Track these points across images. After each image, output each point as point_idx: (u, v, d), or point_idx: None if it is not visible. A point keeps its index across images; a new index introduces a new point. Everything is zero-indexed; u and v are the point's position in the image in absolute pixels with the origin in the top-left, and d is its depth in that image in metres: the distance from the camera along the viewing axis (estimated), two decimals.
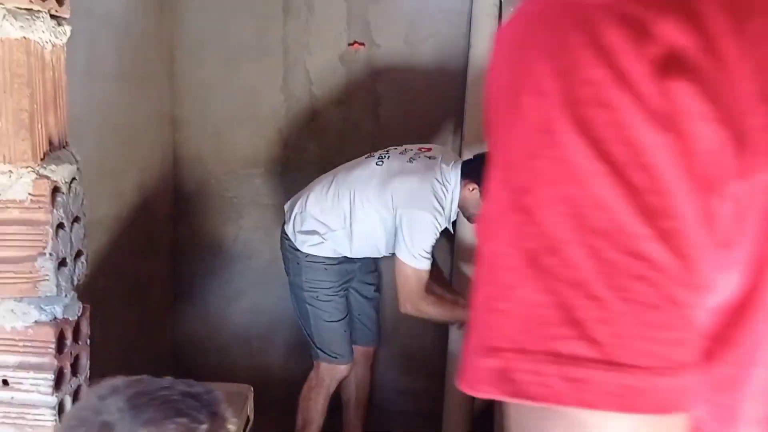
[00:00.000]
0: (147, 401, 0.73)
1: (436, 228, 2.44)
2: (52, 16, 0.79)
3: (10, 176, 0.77)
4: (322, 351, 2.66)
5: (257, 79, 3.27)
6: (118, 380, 0.77)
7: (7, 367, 0.81)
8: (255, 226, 3.36)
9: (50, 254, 0.79)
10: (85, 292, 2.27)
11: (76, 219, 0.85)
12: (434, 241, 2.47)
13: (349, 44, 3.20)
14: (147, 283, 3.02)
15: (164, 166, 3.20)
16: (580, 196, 0.40)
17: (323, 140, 3.27)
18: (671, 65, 0.39)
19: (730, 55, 0.40)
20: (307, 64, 3.27)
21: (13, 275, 0.80)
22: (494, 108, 0.46)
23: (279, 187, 3.33)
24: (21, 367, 0.81)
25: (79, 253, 0.86)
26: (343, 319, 2.67)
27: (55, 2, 0.79)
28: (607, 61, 0.40)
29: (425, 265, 2.44)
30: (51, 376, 0.80)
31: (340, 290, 2.66)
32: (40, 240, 0.79)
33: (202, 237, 3.37)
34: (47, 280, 0.80)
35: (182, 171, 3.32)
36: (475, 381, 0.45)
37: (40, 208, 0.78)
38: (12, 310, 0.80)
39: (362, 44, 3.22)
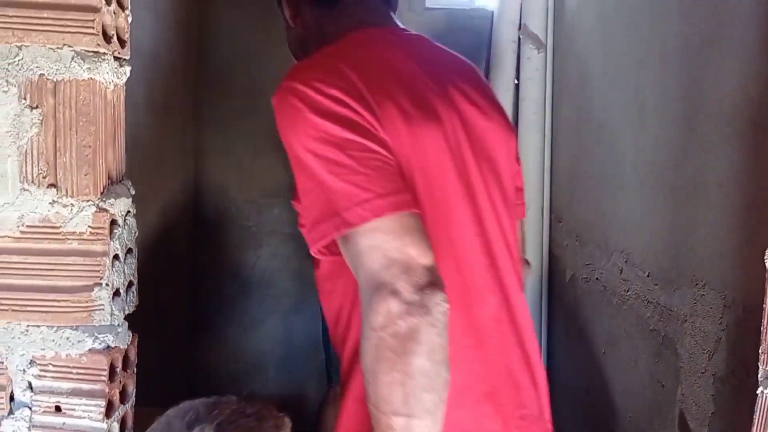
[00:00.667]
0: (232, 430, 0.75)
1: None
2: (115, 58, 0.83)
3: (71, 209, 0.81)
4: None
5: None
6: (196, 403, 0.80)
7: (60, 393, 0.84)
8: (274, 255, 3.40)
9: (106, 284, 0.82)
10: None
11: (129, 250, 0.88)
12: None
13: None
14: (165, 311, 3.04)
15: (186, 195, 3.24)
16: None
17: None
18: (339, 100, 0.97)
19: (364, 89, 0.99)
20: None
21: (70, 304, 0.83)
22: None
23: (294, 216, 3.37)
24: (74, 393, 0.84)
25: (130, 284, 0.89)
26: None
27: (118, 44, 0.83)
28: (313, 109, 1.01)
29: None
30: (102, 403, 0.83)
31: None
32: (98, 271, 0.82)
33: (221, 265, 3.40)
34: (102, 309, 0.83)
35: (203, 199, 3.37)
36: (319, 238, 0.95)
37: (98, 239, 0.81)
38: (68, 338, 0.83)
39: None
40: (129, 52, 0.86)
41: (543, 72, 3.08)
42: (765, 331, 0.86)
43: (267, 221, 3.39)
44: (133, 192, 0.89)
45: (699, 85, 1.61)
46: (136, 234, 0.90)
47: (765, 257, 0.86)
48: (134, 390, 0.91)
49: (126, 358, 0.90)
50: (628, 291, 2.03)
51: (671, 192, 1.76)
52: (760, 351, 0.88)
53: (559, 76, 3.04)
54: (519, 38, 3.13)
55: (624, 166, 2.12)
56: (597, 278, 2.37)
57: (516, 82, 3.13)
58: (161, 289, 2.97)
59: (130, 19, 0.87)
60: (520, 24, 3.12)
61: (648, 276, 1.88)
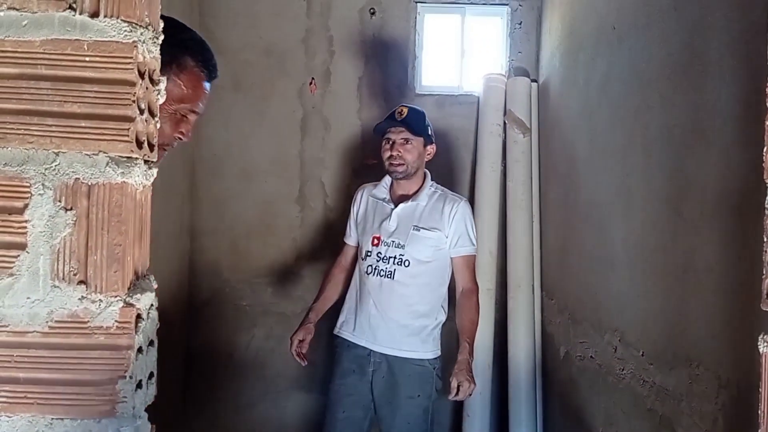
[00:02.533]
0: None
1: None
2: (145, 162, 0.89)
3: (99, 305, 0.84)
4: None
5: (274, 191, 3.40)
6: None
7: None
8: (267, 334, 3.39)
9: (130, 377, 0.85)
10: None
11: (151, 342, 0.91)
12: (349, 217, 2.65)
13: (365, 160, 3.36)
14: (159, 391, 3.00)
15: (182, 275, 3.27)
16: None
17: (337, 248, 3.36)
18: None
19: None
20: (323, 178, 3.42)
21: (94, 397, 0.85)
22: None
23: (291, 295, 3.39)
24: None
25: (151, 375, 0.92)
26: None
27: (148, 149, 0.89)
28: None
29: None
30: None
31: None
32: (122, 364, 0.85)
33: (215, 345, 3.39)
34: (125, 402, 0.85)
35: (198, 280, 3.39)
36: None
37: (124, 333, 0.85)
38: (90, 431, 0.85)
39: (375, 161, 3.38)
40: (156, 156, 0.92)
41: (528, 154, 3.20)
42: (764, 415, 0.89)
43: (260, 301, 3.40)
44: (155, 286, 0.93)
45: (683, 173, 1.70)
46: (158, 326, 0.94)
47: (759, 343, 0.91)
48: None
49: None
50: (623, 370, 2.06)
51: (662, 274, 1.82)
52: None
53: (546, 159, 3.16)
54: (505, 123, 3.26)
55: (614, 246, 2.19)
56: (591, 356, 2.40)
57: (502, 167, 3.24)
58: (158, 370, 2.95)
59: (158, 125, 0.93)
60: (505, 109, 3.26)
61: (643, 355, 1.91)
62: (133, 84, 0.86)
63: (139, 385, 0.88)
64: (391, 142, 2.45)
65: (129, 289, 0.87)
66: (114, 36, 0.85)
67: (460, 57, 3.48)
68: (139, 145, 0.88)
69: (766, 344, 0.90)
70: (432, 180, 2.56)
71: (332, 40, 3.40)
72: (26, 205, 0.85)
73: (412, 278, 2.40)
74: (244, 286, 3.41)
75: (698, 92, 1.62)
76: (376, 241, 2.46)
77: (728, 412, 1.46)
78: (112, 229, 0.85)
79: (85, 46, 0.85)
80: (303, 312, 2.66)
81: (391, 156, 2.45)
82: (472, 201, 3.28)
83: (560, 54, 2.95)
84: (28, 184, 0.85)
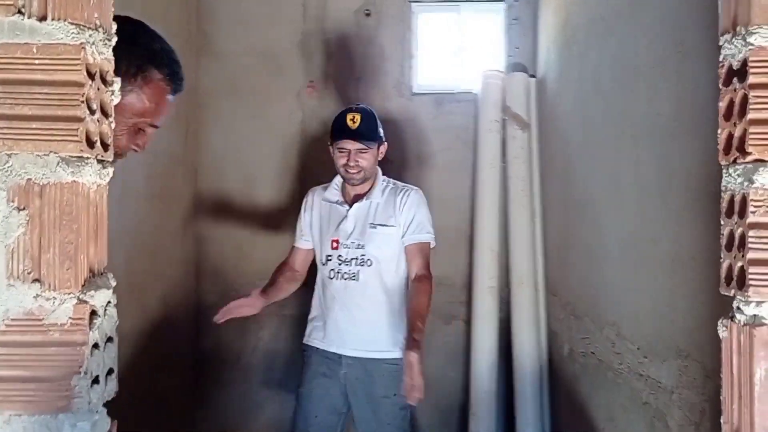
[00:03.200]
0: None
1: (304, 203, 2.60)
2: (99, 161, 0.90)
3: (53, 302, 0.86)
4: None
5: (276, 194, 3.43)
6: None
7: None
8: (274, 337, 3.41)
9: (85, 373, 0.86)
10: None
11: (109, 339, 0.92)
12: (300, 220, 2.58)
13: None
14: (167, 395, 3.04)
15: (188, 280, 3.30)
16: None
17: None
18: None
19: None
20: (324, 179, 3.42)
21: (51, 393, 0.86)
22: None
23: (297, 297, 3.40)
24: None
25: (110, 371, 0.93)
26: None
27: (101, 149, 0.91)
28: None
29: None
30: None
31: None
32: (77, 360, 0.86)
33: (223, 348, 3.42)
34: (81, 397, 0.86)
35: (204, 284, 3.42)
36: None
37: (78, 330, 0.86)
38: (47, 426, 0.87)
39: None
40: (112, 155, 0.94)
41: (528, 150, 3.18)
42: (727, 401, 0.88)
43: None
44: (114, 283, 0.94)
45: (668, 162, 1.68)
46: (117, 323, 0.95)
47: (718, 328, 0.90)
48: None
49: None
50: (621, 364, 2.05)
51: (651, 265, 1.80)
52: (722, 421, 0.90)
53: (545, 154, 3.14)
54: (504, 119, 3.25)
55: (607, 239, 2.17)
56: (592, 352, 2.38)
57: (502, 163, 3.23)
58: (162, 375, 2.98)
59: (113, 125, 0.94)
60: (503, 106, 3.25)
61: (638, 349, 1.89)
62: (81, 85, 0.87)
63: (96, 381, 0.90)
64: (346, 151, 2.38)
65: (83, 286, 0.89)
66: (62, 38, 0.87)
67: (457, 55, 3.48)
68: (91, 144, 0.90)
69: (724, 328, 0.89)
70: (383, 175, 2.53)
71: (329, 43, 3.42)
72: None
73: (377, 277, 2.39)
74: (250, 288, 3.42)
75: (679, 79, 1.61)
76: (335, 245, 2.43)
77: (714, 402, 1.44)
78: (63, 227, 0.87)
79: (34, 49, 0.87)
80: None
81: (347, 165, 2.39)
82: (472, 198, 3.28)
83: (556, 48, 2.93)
84: None
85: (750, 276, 0.80)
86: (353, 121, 2.38)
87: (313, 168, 3.42)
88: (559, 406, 2.89)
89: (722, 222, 0.86)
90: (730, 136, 0.82)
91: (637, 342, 1.90)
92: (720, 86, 0.85)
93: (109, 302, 0.94)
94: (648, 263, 1.83)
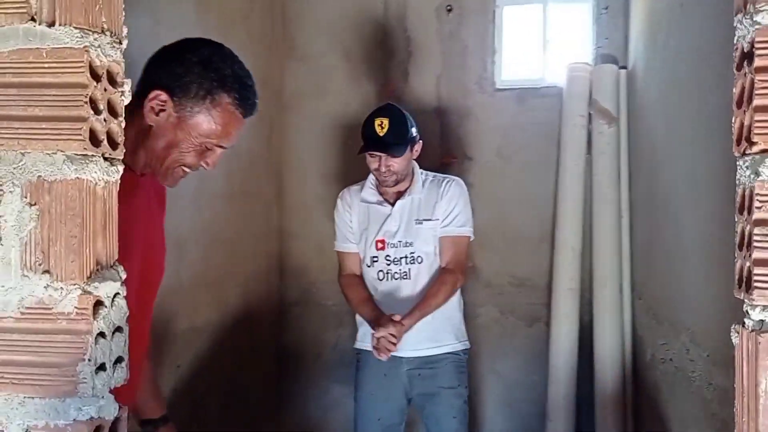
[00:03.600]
0: None
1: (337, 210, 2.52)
2: (106, 158, 0.95)
3: (61, 292, 0.91)
4: None
5: None
6: None
7: None
8: (352, 334, 3.44)
9: (89, 360, 0.91)
10: (184, 396, 2.44)
11: (118, 329, 0.96)
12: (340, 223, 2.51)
13: (442, 159, 3.34)
14: (248, 389, 3.15)
15: (270, 277, 3.40)
16: None
17: None
18: None
19: None
20: None
21: (59, 378, 0.92)
22: None
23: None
24: None
25: (120, 359, 0.97)
26: None
27: (108, 147, 0.95)
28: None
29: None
30: None
31: None
32: (82, 348, 0.91)
33: (304, 344, 3.50)
34: (85, 383, 0.91)
35: (287, 280, 3.51)
36: None
37: (82, 319, 0.90)
38: (55, 409, 0.92)
39: (455, 158, 3.35)
40: (122, 153, 0.98)
41: (615, 146, 3.03)
42: (739, 410, 0.80)
43: (345, 301, 3.46)
44: (123, 276, 0.99)
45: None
46: (127, 314, 0.99)
47: (731, 333, 0.82)
48: None
49: (113, 429, 0.97)
50: (694, 372, 1.91)
51: (725, 268, 1.66)
52: None
53: (633, 149, 2.98)
54: (590, 114, 3.11)
55: (685, 239, 2.03)
56: (671, 359, 2.23)
57: (587, 160, 3.10)
58: (244, 368, 3.09)
59: (123, 124, 0.99)
60: (590, 99, 3.11)
61: (708, 356, 1.76)
62: (84, 86, 0.91)
63: (102, 368, 0.94)
64: (377, 156, 2.30)
65: (89, 278, 0.93)
66: (67, 42, 0.92)
67: (542, 48, 3.37)
68: (96, 143, 0.94)
69: (737, 334, 0.81)
70: (421, 169, 2.44)
71: (409, 41, 3.41)
72: (0, 202, 0.94)
73: (429, 272, 2.33)
74: (331, 286, 3.48)
75: None
76: (380, 245, 2.37)
77: None
78: (68, 221, 0.92)
79: (44, 54, 0.92)
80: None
81: (378, 170, 2.32)
82: (554, 196, 3.17)
83: (643, 37, 2.78)
84: (0, 183, 0.93)
85: (755, 277, 0.72)
86: (381, 127, 2.29)
87: None
88: (643, 416, 2.73)
89: (735, 219, 0.78)
90: (742, 126, 0.74)
91: (708, 349, 1.76)
92: (734, 71, 0.77)
93: (117, 294, 0.98)
94: (722, 266, 1.69)
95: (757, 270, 0.71)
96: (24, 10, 0.93)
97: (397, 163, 2.29)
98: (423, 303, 2.27)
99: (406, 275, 2.34)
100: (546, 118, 3.27)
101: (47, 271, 0.92)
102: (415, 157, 2.40)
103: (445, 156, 3.34)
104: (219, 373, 2.70)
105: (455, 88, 3.37)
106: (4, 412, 0.94)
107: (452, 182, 2.41)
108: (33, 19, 0.93)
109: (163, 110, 1.33)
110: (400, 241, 2.35)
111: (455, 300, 2.39)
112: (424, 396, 2.38)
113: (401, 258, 2.36)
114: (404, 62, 3.43)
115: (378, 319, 2.33)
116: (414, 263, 2.35)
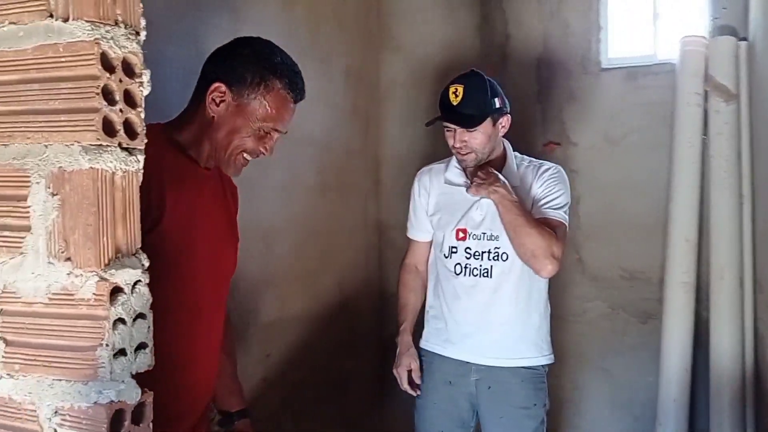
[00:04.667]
0: None
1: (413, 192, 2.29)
2: (123, 148, 0.96)
3: (81, 279, 0.93)
4: None
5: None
6: None
7: None
8: None
9: (106, 345, 0.93)
10: (275, 385, 2.50)
11: (140, 315, 0.98)
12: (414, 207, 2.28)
13: (544, 145, 3.19)
14: (348, 380, 3.17)
15: (369, 268, 3.41)
16: None
17: None
18: None
19: None
20: None
21: (80, 362, 0.95)
22: None
23: None
24: None
25: (142, 345, 0.99)
26: None
27: (126, 137, 0.97)
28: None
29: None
30: None
31: None
32: (100, 333, 0.93)
33: None
34: (104, 367, 0.93)
35: (387, 272, 3.50)
36: None
37: (100, 305, 0.93)
38: (79, 392, 0.95)
39: (558, 144, 3.19)
40: (142, 143, 0.99)
41: (735, 125, 2.75)
42: None
43: None
44: (146, 264, 1.00)
45: None
46: (149, 301, 1.00)
47: None
48: None
49: (138, 413, 0.99)
50: None
51: None
52: None
53: (755, 129, 2.69)
54: (705, 91, 2.84)
55: None
56: None
57: (703, 141, 2.83)
58: (342, 358, 3.11)
59: (143, 114, 1.00)
60: (706, 75, 2.84)
61: None
62: (96, 77, 0.93)
63: (122, 353, 0.96)
64: (452, 129, 2.05)
65: (106, 265, 0.95)
66: (80, 36, 0.94)
67: (652, 22, 3.12)
68: (112, 133, 0.96)
69: None
70: (516, 152, 2.18)
71: (507, 23, 3.28)
72: (28, 193, 0.98)
73: (514, 273, 2.05)
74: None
75: None
76: (461, 235, 2.09)
77: None
78: (84, 210, 0.94)
79: (61, 48, 0.95)
80: None
81: (454, 147, 2.07)
82: (667, 182, 2.92)
83: (762, 5, 2.49)
84: (28, 175, 0.98)
85: None
86: (455, 94, 2.02)
87: None
88: (765, 422, 2.46)
89: None
90: None
91: None
92: None
93: (138, 281, 1.00)
94: None
95: None
96: (44, 8, 0.97)
97: (475, 138, 2.02)
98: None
99: (486, 273, 2.07)
100: (657, 97, 3.03)
101: (69, 259, 0.96)
102: (502, 134, 2.12)
103: (547, 142, 3.18)
104: (313, 364, 2.74)
105: (557, 70, 3.20)
106: (37, 393, 0.99)
107: (552, 167, 2.13)
108: (51, 16, 0.97)
109: (222, 101, 1.45)
110: (484, 233, 2.08)
111: (542, 307, 2.13)
112: (492, 414, 2.12)
113: (483, 252, 2.08)
114: (503, 46, 3.31)
115: (403, 347, 2.22)
116: (498, 260, 2.06)
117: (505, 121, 2.11)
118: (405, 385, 2.19)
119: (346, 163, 3.10)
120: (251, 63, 1.45)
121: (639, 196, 3.04)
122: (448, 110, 2.04)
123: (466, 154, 2.07)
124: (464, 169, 2.17)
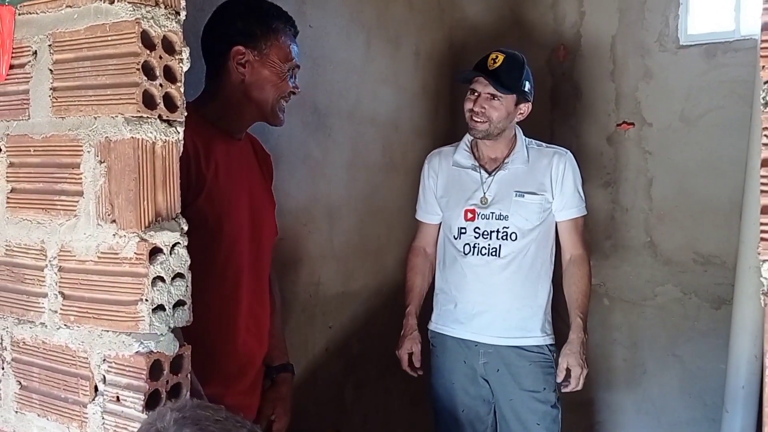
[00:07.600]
0: (199, 418, 0.88)
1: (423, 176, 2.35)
2: (164, 120, 1.04)
3: (125, 239, 1.03)
4: None
5: None
6: (188, 402, 0.95)
7: (120, 386, 1.05)
8: None
9: (146, 300, 1.02)
10: (337, 355, 2.58)
11: (178, 275, 1.06)
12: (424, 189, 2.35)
13: (618, 125, 3.11)
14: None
15: None
16: None
17: (590, 222, 3.17)
18: None
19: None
20: (573, 147, 3.24)
21: (124, 315, 1.04)
22: None
23: None
24: (128, 387, 1.04)
25: (180, 303, 1.07)
26: None
27: (165, 109, 1.05)
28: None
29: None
30: (142, 397, 1.02)
31: None
32: (140, 289, 1.02)
33: None
34: (143, 320, 1.02)
35: None
36: None
37: (140, 264, 1.02)
38: (123, 342, 1.05)
39: (632, 124, 3.10)
40: (182, 116, 1.07)
41: None
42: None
43: None
44: (184, 227, 1.08)
45: None
46: (187, 262, 1.09)
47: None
48: (188, 392, 1.09)
49: (177, 364, 1.08)
50: None
51: None
52: None
53: None
54: None
55: None
56: None
57: None
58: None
59: (182, 89, 1.08)
60: None
61: None
62: (137, 54, 1.02)
63: (160, 308, 1.05)
64: (476, 94, 2.11)
65: (147, 227, 1.04)
66: (123, 16, 1.03)
67: None
68: (152, 106, 1.04)
69: None
70: (526, 137, 2.23)
71: (582, 1, 3.20)
72: (81, 161, 1.08)
73: (522, 252, 2.10)
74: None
75: None
76: (470, 215, 2.16)
77: None
78: (126, 177, 1.03)
79: (108, 28, 1.04)
80: None
81: (473, 110, 2.11)
82: (746, 163, 2.79)
83: None
84: (81, 144, 1.08)
85: None
86: (494, 61, 2.09)
87: (565, 130, 3.27)
88: None
89: None
90: None
91: None
92: None
93: (177, 243, 1.08)
94: None
95: None
96: None
97: (495, 109, 2.10)
98: (576, 304, 2.09)
99: (495, 252, 2.12)
100: (738, 75, 2.88)
101: (114, 221, 1.05)
102: (518, 120, 2.20)
103: (620, 122, 3.10)
104: (376, 337, 2.80)
105: (632, 48, 3.10)
106: (88, 342, 1.09)
107: (566, 156, 2.20)
108: None
109: (247, 61, 1.55)
110: (492, 213, 2.15)
111: (547, 287, 2.18)
112: (503, 397, 2.16)
113: (492, 232, 2.14)
114: (576, 24, 3.23)
115: (407, 330, 2.26)
116: (507, 240, 2.12)
117: (524, 108, 2.20)
118: (405, 367, 2.27)
119: (414, 143, 3.13)
120: (252, 17, 1.55)
121: (715, 178, 2.92)
122: (482, 68, 2.12)
123: (481, 122, 2.13)
124: (472, 150, 2.25)
